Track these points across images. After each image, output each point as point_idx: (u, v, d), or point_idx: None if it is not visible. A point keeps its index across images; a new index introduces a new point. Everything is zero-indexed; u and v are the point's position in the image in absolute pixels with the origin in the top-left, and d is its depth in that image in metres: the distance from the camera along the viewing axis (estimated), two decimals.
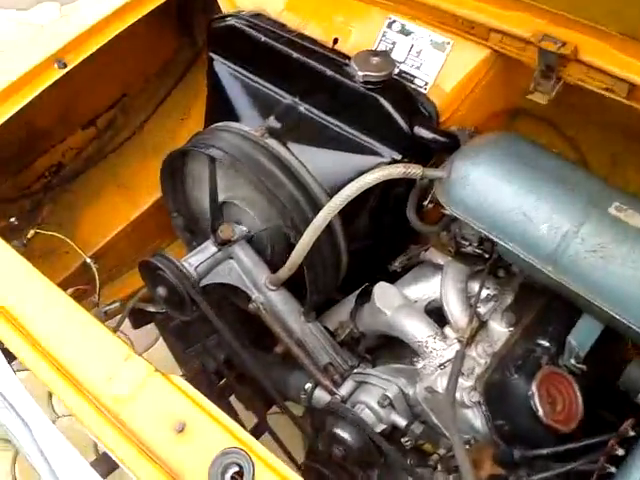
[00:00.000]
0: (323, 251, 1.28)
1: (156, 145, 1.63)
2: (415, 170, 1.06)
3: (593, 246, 0.95)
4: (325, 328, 1.37)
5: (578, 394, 1.01)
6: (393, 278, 1.34)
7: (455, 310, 1.18)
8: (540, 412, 0.99)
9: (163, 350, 1.73)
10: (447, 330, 1.18)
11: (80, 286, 1.37)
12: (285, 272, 1.28)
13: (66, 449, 1.23)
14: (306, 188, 1.23)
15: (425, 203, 1.19)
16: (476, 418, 1.10)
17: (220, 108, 1.38)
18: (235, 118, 1.33)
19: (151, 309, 1.61)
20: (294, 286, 1.35)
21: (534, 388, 1.00)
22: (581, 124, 1.26)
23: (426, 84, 1.24)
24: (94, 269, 1.41)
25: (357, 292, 1.36)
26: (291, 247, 1.25)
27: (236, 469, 0.83)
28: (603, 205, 0.97)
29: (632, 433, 0.93)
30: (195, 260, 1.31)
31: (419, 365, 1.17)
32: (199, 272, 1.31)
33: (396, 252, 1.37)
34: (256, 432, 1.53)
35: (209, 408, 0.89)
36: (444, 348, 1.15)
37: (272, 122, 1.28)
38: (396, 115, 1.17)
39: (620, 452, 0.92)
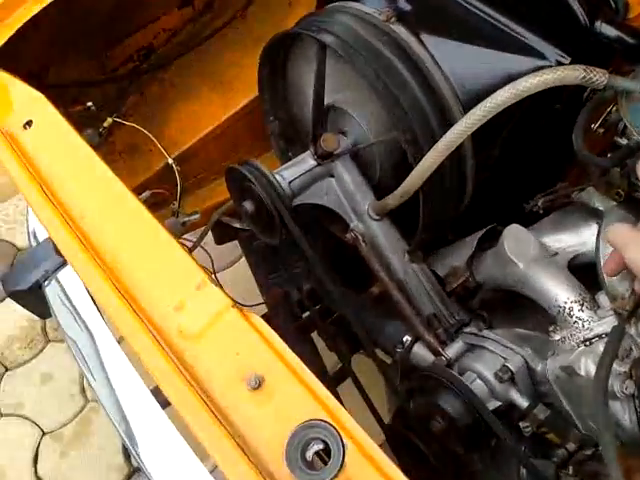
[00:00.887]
0: (445, 177, 1.01)
1: (259, 34, 1.38)
2: (599, 77, 0.76)
3: None
4: (433, 272, 1.13)
5: None
6: (530, 221, 1.07)
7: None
8: None
9: (247, 272, 1.55)
10: (600, 297, 0.90)
11: (159, 189, 1.19)
12: (395, 199, 1.03)
13: (128, 372, 1.09)
14: (436, 93, 0.96)
15: (594, 126, 0.88)
16: (625, 413, 0.84)
17: None
18: None
19: (237, 225, 1.43)
20: (401, 217, 1.11)
21: None
22: None
23: None
24: (176, 172, 1.22)
25: (480, 232, 1.09)
26: (406, 168, 1.00)
27: (321, 446, 0.63)
28: None
29: None
30: (290, 173, 1.09)
31: (556, 336, 0.91)
32: (293, 188, 1.09)
33: (537, 188, 1.08)
34: (338, 377, 1.35)
35: (294, 363, 0.69)
36: (594, 320, 0.88)
37: (403, 3, 1.00)
38: (573, 1, 0.86)
39: None
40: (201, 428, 0.67)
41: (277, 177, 1.06)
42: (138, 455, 1.04)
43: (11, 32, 1.06)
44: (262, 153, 1.48)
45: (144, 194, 1.11)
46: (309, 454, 0.64)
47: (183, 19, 1.43)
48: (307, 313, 1.37)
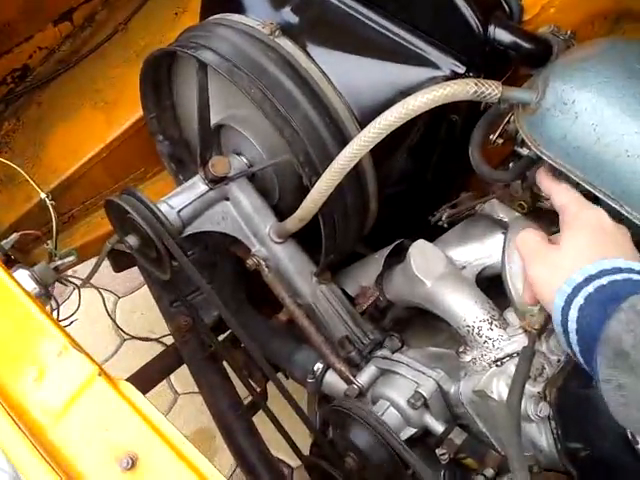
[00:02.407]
0: (346, 196, 0.96)
1: (143, 48, 1.30)
2: (492, 90, 0.72)
3: None
4: (343, 292, 1.08)
5: None
6: (435, 233, 1.03)
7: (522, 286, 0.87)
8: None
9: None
10: (509, 315, 0.87)
11: (29, 231, 1.07)
12: (294, 223, 0.97)
13: None
14: (329, 110, 0.90)
15: (492, 138, 0.85)
16: (541, 435, 0.81)
17: None
18: (237, 8, 0.99)
19: None
20: (305, 237, 1.05)
21: None
22: None
23: None
24: (51, 208, 1.10)
25: (387, 249, 1.05)
26: (304, 189, 0.94)
27: None
28: None
29: None
30: (178, 201, 1.01)
31: (467, 357, 0.87)
32: (183, 217, 1.00)
33: (440, 201, 1.05)
34: (252, 408, 1.28)
35: (171, 436, 0.61)
36: (504, 339, 0.85)
37: (287, 14, 0.93)
38: (464, 7, 0.82)
39: None
40: None
41: (163, 207, 0.98)
42: None
43: None
44: (160, 171, 1.39)
45: (11, 237, 0.99)
46: None
47: (61, 35, 1.32)
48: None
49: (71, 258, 1.05)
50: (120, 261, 1.43)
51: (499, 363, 0.85)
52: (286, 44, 0.92)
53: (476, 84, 0.73)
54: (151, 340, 1.72)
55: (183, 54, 0.95)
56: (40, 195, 1.14)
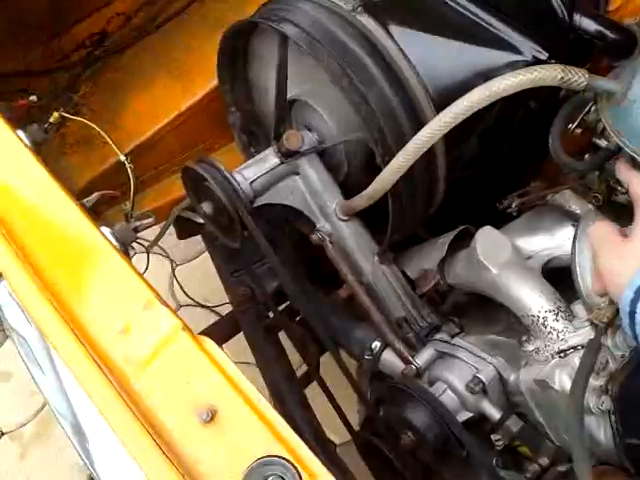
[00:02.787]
0: (415, 177, 0.96)
1: (220, 18, 1.31)
2: (578, 77, 0.71)
3: None
4: (403, 274, 1.08)
5: None
6: (502, 220, 1.02)
7: (591, 280, 0.86)
8: None
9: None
10: (576, 307, 0.86)
11: (108, 191, 1.11)
12: (363, 200, 0.98)
13: None
14: (405, 89, 0.90)
15: (571, 126, 0.84)
16: (600, 428, 0.81)
17: None
18: None
19: (198, 219, 1.37)
20: (369, 216, 1.06)
21: None
22: None
23: None
24: (129, 171, 1.14)
25: (452, 234, 1.05)
26: (374, 168, 0.95)
27: None
28: None
29: None
30: (251, 172, 1.02)
31: (529, 347, 0.87)
32: (255, 188, 1.02)
33: (511, 186, 1.04)
34: (305, 380, 1.30)
35: (249, 392, 0.63)
36: (570, 331, 0.85)
37: None
38: None
39: None
40: (149, 465, 0.61)
41: (237, 177, 1.00)
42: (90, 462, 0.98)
43: None
44: (227, 143, 1.41)
45: (92, 196, 1.03)
46: None
47: (139, 2, 1.35)
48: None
49: (150, 220, 1.09)
50: (184, 228, 1.47)
51: (563, 354, 0.84)
52: (367, 21, 0.91)
53: (563, 70, 0.72)
54: (207, 307, 1.77)
55: (266, 26, 0.96)
56: (117, 157, 1.18)
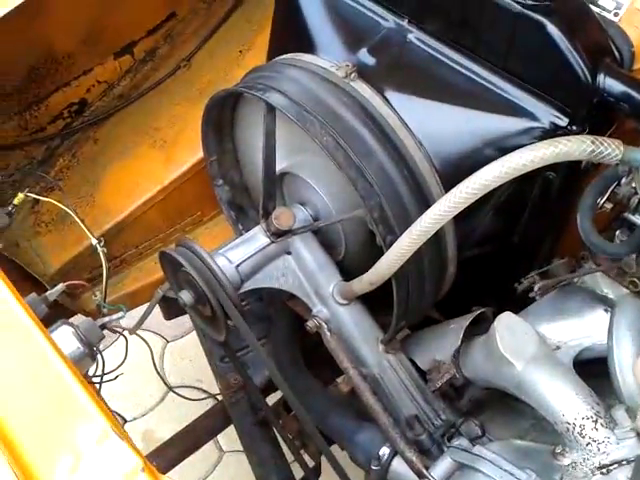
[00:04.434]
0: (423, 259, 0.85)
1: (205, 86, 1.23)
2: (612, 150, 0.60)
3: None
4: (412, 364, 0.95)
5: None
6: (519, 301, 0.90)
7: (633, 378, 0.73)
8: None
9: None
10: (618, 412, 0.73)
11: (73, 282, 1.00)
12: (364, 285, 0.86)
13: None
14: (407, 161, 0.80)
15: (601, 201, 0.73)
16: None
17: (290, 33, 0.95)
18: (309, 48, 0.90)
19: None
20: (371, 299, 0.94)
21: None
22: None
23: (618, 8, 0.76)
24: (102, 255, 1.03)
25: (466, 319, 0.92)
26: (374, 246, 0.84)
27: None
28: None
29: None
30: (237, 255, 0.91)
31: (565, 461, 0.73)
32: (241, 272, 0.91)
33: (526, 266, 0.92)
34: None
35: None
36: (612, 442, 0.71)
37: (363, 56, 0.84)
38: (570, 51, 0.71)
39: None
40: None
41: (221, 261, 0.89)
42: None
43: None
44: (215, 217, 1.31)
45: (56, 288, 0.92)
46: None
47: (121, 70, 1.27)
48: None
49: (120, 314, 0.97)
50: (171, 308, 1.35)
51: (605, 471, 0.70)
52: (362, 88, 0.82)
53: (593, 142, 0.61)
54: (198, 389, 1.64)
55: (250, 95, 0.87)
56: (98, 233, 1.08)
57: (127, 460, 0.56)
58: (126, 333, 1.16)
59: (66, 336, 0.84)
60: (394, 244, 0.76)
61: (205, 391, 1.64)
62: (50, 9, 1.06)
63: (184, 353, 1.82)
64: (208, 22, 1.27)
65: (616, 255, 0.73)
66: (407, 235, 0.74)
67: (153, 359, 1.30)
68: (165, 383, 1.31)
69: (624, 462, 0.70)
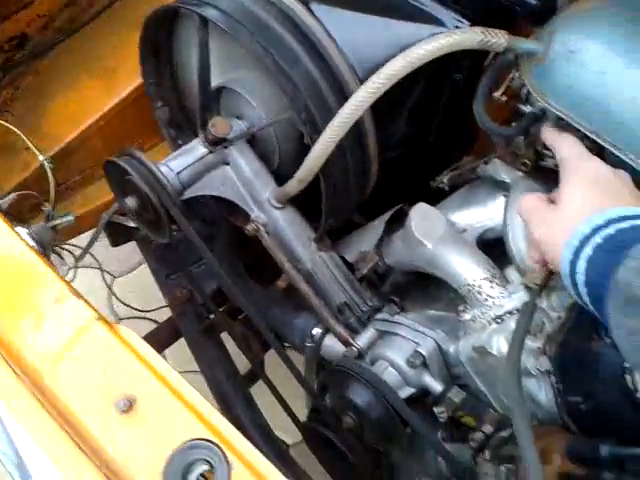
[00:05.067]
0: (347, 156, 0.96)
1: (144, 14, 1.27)
2: (498, 38, 0.72)
3: None
4: (342, 259, 1.07)
5: None
6: (436, 198, 1.03)
7: (523, 245, 0.87)
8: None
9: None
10: (510, 272, 0.87)
11: (25, 191, 1.06)
12: (295, 185, 0.96)
13: None
14: (330, 66, 0.89)
15: (497, 95, 0.85)
16: (540, 390, 0.81)
17: None
18: None
19: (132, 224, 1.32)
20: (305, 203, 1.05)
21: None
22: None
23: None
24: (49, 171, 1.09)
25: (387, 214, 1.04)
26: (305, 152, 0.94)
27: (205, 467, 0.55)
28: None
29: None
30: (178, 163, 1.00)
31: (466, 316, 0.87)
32: (182, 180, 1.00)
33: (443, 164, 1.05)
34: (250, 379, 1.27)
35: (171, 378, 0.60)
36: (504, 296, 0.85)
37: None
38: None
39: None
40: (65, 464, 0.57)
41: (163, 168, 0.97)
42: None
43: None
44: (158, 142, 1.38)
45: (8, 197, 0.98)
46: (192, 477, 0.56)
47: (60, 3, 1.31)
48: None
49: (69, 218, 1.04)
50: (117, 234, 1.42)
51: (499, 320, 0.84)
52: (289, 0, 0.91)
53: (483, 32, 0.73)
54: (148, 319, 1.71)
55: (185, 10, 0.95)
56: (39, 160, 1.13)
57: (83, 314, 0.65)
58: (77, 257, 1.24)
59: (22, 235, 0.91)
60: (319, 138, 0.86)
61: (154, 321, 1.72)
62: None
63: (132, 288, 1.89)
64: None
65: (507, 136, 0.86)
66: (329, 128, 0.84)
67: (106, 282, 1.37)
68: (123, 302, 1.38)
69: (514, 311, 0.84)
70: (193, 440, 0.55)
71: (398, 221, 1.03)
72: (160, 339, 1.38)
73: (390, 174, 1.05)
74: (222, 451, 0.54)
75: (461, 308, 0.87)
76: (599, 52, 0.68)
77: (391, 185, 1.08)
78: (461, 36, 0.73)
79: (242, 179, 1.04)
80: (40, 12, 1.31)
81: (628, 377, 0.72)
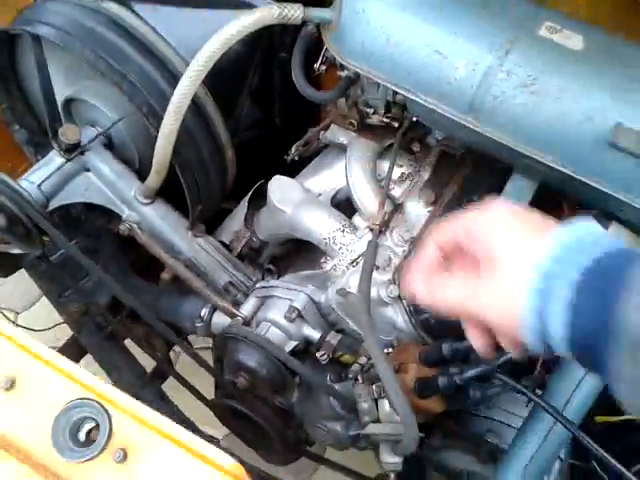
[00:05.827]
0: (199, 144, 1.02)
1: None
2: (294, 11, 0.81)
3: (522, 80, 0.74)
4: (221, 243, 1.14)
5: None
6: (293, 171, 1.11)
7: (364, 195, 0.97)
8: None
9: None
10: (356, 220, 0.97)
11: None
12: (154, 177, 1.02)
13: None
14: (162, 60, 0.96)
15: (317, 66, 0.94)
16: (397, 315, 0.91)
17: None
18: None
19: (15, 250, 1.33)
20: (176, 198, 1.11)
21: None
22: None
23: None
24: None
25: (249, 193, 1.12)
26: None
27: (92, 424, 0.61)
28: (531, 27, 0.76)
29: None
30: (38, 176, 1.03)
31: (328, 266, 0.96)
32: (45, 191, 1.03)
33: (294, 139, 1.13)
34: (160, 376, 1.31)
35: (46, 355, 0.65)
36: (355, 241, 0.94)
37: None
38: None
39: None
40: None
41: (23, 183, 1.00)
42: None
43: None
44: (27, 168, 1.39)
45: None
46: (81, 435, 0.61)
47: None
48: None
49: None
50: (4, 266, 1.42)
51: (355, 264, 0.93)
52: (111, 6, 0.97)
53: (279, 7, 0.81)
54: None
55: (15, 31, 0.99)
56: None
57: None
58: None
59: None
60: (162, 125, 0.92)
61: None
62: None
63: (36, 321, 1.87)
64: None
65: (327, 100, 0.95)
66: (166, 116, 0.90)
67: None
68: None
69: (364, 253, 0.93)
70: (75, 400, 0.60)
71: (263, 196, 1.11)
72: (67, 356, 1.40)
73: (248, 157, 1.12)
74: (100, 404, 0.59)
75: (322, 260, 0.96)
76: (378, 10, 0.78)
77: (253, 166, 1.15)
78: (261, 12, 0.81)
79: (106, 182, 1.08)
80: None
81: None
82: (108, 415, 0.60)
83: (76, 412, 0.61)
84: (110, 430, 0.60)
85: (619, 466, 0.71)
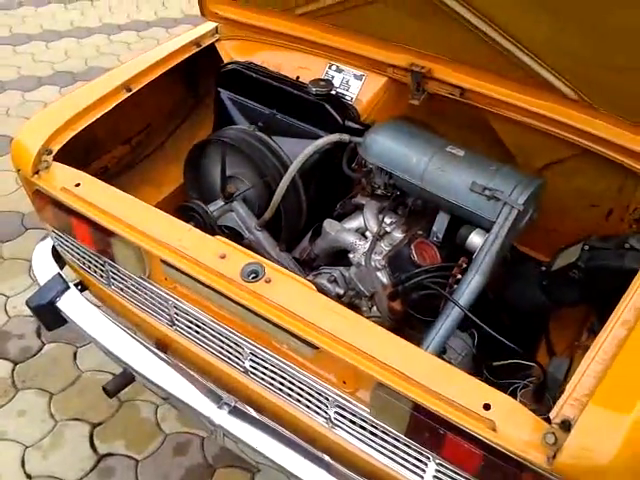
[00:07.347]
0: (292, 202, 2.08)
1: (173, 155, 2.43)
2: (345, 136, 1.92)
3: (439, 166, 1.81)
4: (294, 257, 2.15)
5: (436, 252, 1.82)
6: (336, 219, 2.15)
7: (371, 225, 1.99)
8: (415, 258, 1.79)
9: None
10: (367, 234, 1.98)
11: None
12: (269, 213, 2.06)
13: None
14: (282, 158, 2.06)
15: (353, 165, 2.03)
16: (384, 276, 1.88)
17: (224, 121, 2.22)
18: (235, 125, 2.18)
19: None
20: (272, 232, 2.14)
21: (413, 247, 1.81)
22: (440, 122, 2.15)
23: (352, 99, 2.13)
24: None
25: (312, 228, 2.15)
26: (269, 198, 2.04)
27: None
28: (443, 148, 1.85)
29: (465, 265, 1.74)
30: (212, 208, 2.08)
31: (352, 256, 1.95)
32: (214, 216, 2.07)
33: (338, 201, 2.19)
34: None
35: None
36: (365, 244, 1.95)
37: (260, 124, 2.12)
38: (334, 113, 2.04)
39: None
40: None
41: (209, 208, 2.05)
42: None
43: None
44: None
45: None
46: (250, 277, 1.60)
47: (125, 151, 2.41)
48: None
49: None
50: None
51: (364, 254, 1.93)
52: (261, 135, 2.09)
53: (339, 135, 1.92)
54: None
55: (214, 142, 2.11)
56: None
57: None
58: None
59: None
60: (279, 185, 1.98)
61: None
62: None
63: None
64: (170, 127, 2.49)
65: (357, 177, 2.03)
66: (283, 181, 1.97)
67: None
68: None
69: (374, 253, 1.93)
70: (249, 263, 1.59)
71: (319, 233, 2.13)
72: None
73: (314, 209, 2.17)
74: (261, 265, 1.58)
75: (350, 255, 1.96)
76: (382, 139, 1.88)
77: (315, 214, 2.19)
78: (330, 137, 1.91)
79: (240, 217, 2.12)
80: (116, 155, 2.40)
81: (411, 255, 1.81)
82: (264, 268, 1.60)
83: (249, 266, 1.61)
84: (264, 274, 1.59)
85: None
